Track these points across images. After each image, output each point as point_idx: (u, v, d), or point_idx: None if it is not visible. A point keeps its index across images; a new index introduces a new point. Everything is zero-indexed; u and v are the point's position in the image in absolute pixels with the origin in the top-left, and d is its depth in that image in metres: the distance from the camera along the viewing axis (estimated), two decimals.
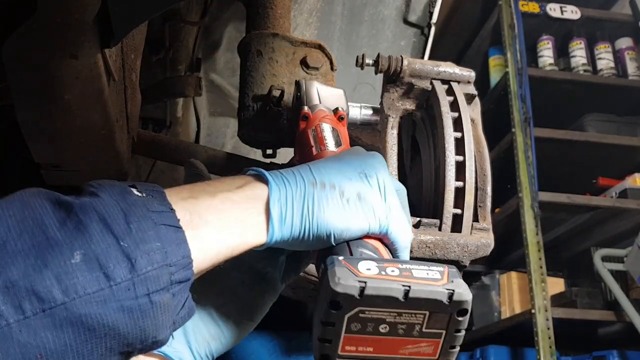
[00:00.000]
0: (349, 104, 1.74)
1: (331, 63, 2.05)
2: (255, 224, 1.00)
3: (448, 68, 1.69)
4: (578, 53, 5.59)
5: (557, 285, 5.30)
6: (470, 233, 1.54)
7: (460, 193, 1.55)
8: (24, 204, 0.80)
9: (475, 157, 1.59)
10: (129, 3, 1.24)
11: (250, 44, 2.04)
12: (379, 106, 1.78)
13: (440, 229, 1.51)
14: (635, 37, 5.63)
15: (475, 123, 1.66)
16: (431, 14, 3.03)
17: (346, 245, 1.05)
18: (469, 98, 1.66)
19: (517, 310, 5.35)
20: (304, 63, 2.01)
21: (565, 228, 5.39)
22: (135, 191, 0.87)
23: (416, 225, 1.50)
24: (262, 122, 1.96)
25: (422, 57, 3.17)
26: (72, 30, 1.21)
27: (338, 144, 1.43)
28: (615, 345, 5.01)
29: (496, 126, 5.20)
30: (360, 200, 1.06)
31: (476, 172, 1.58)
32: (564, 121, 5.46)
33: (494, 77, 5.81)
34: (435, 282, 0.95)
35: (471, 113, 1.64)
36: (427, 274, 0.96)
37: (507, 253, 5.89)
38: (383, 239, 1.10)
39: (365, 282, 0.91)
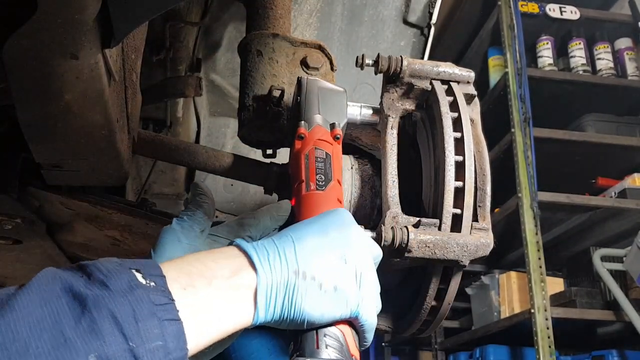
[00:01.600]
0: (349, 103, 1.76)
1: (331, 63, 2.05)
2: (244, 310, 1.07)
3: (447, 68, 1.69)
4: (577, 53, 5.59)
5: (556, 285, 5.30)
6: (470, 233, 1.54)
7: (459, 193, 1.55)
8: (42, 300, 0.87)
9: (474, 157, 1.60)
10: (129, 3, 1.24)
11: (250, 44, 2.04)
12: (379, 106, 1.78)
13: (440, 229, 1.51)
14: (635, 37, 5.63)
15: (475, 123, 1.67)
16: (431, 14, 3.03)
17: (314, 334, 1.16)
18: (469, 98, 1.67)
19: (517, 309, 5.35)
20: (304, 63, 2.02)
21: (565, 228, 5.39)
22: (140, 278, 0.93)
23: (416, 225, 1.51)
24: (262, 122, 1.96)
25: (422, 58, 3.17)
26: (73, 30, 1.21)
27: (328, 179, 1.48)
28: (614, 344, 5.03)
29: (496, 126, 5.20)
30: (337, 291, 1.13)
31: (476, 172, 1.59)
32: (563, 121, 5.47)
33: (494, 77, 5.81)
34: None
35: (471, 113, 1.65)
36: None
37: (507, 253, 5.90)
38: (353, 321, 1.19)
39: None
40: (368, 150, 2.03)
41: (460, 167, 1.56)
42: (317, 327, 1.16)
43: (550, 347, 4.42)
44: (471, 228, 1.55)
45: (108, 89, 1.42)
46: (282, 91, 1.91)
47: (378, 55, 1.69)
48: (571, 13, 5.65)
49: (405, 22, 3.06)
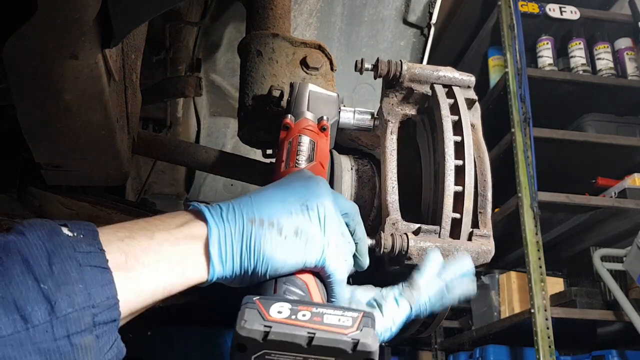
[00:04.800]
0: (343, 108, 1.77)
1: (331, 63, 2.05)
2: (195, 263, 1.02)
3: (448, 72, 1.68)
4: (577, 53, 5.59)
5: (556, 285, 5.30)
6: (471, 239, 1.54)
7: (459, 198, 1.55)
8: None
9: (475, 162, 1.60)
10: (129, 3, 1.24)
11: (250, 45, 2.04)
12: (374, 111, 1.79)
13: (439, 236, 1.51)
14: (635, 37, 5.63)
15: (476, 128, 1.67)
16: (431, 14, 3.03)
17: (273, 283, 1.09)
18: (469, 103, 1.66)
19: (517, 309, 5.35)
20: (303, 63, 2.02)
21: (565, 228, 5.39)
22: (65, 230, 0.88)
23: (416, 232, 1.50)
24: (262, 122, 1.96)
25: (422, 57, 3.17)
26: (73, 30, 1.20)
27: (310, 159, 1.47)
28: (614, 344, 5.03)
29: (496, 126, 5.20)
30: (298, 235, 1.09)
31: (476, 178, 1.59)
32: (563, 121, 5.47)
33: (494, 77, 5.82)
34: (343, 329, 0.96)
35: (471, 118, 1.64)
36: (339, 320, 0.98)
37: (507, 253, 5.90)
38: (320, 272, 1.14)
39: (270, 327, 0.93)
40: (368, 151, 2.03)
41: (460, 172, 1.55)
42: (277, 276, 1.10)
43: (550, 347, 4.41)
44: (472, 235, 1.54)
45: (108, 89, 1.42)
46: (282, 91, 1.91)
47: (377, 59, 1.66)
48: (571, 13, 5.65)
49: (405, 22, 3.06)
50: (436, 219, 1.56)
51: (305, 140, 1.53)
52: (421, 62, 3.18)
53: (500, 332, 5.43)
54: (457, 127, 1.59)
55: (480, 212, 1.62)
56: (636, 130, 5.48)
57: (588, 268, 5.23)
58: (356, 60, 1.70)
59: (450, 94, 1.66)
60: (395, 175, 1.62)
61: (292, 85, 1.75)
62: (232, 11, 2.76)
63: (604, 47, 5.63)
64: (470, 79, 1.70)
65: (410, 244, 1.45)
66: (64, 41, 1.24)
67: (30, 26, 1.18)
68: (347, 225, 1.24)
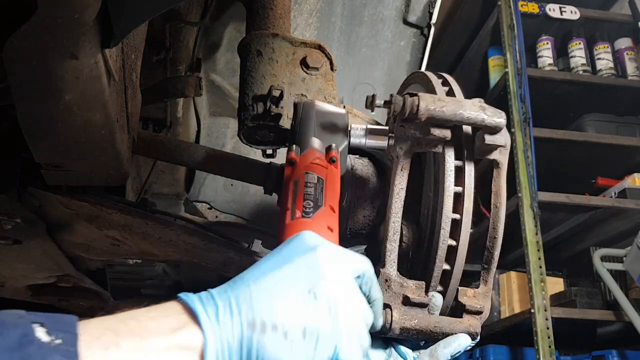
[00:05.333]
0: (354, 127, 1.69)
1: (331, 63, 2.05)
2: None
3: (474, 112, 1.45)
4: (577, 53, 5.59)
5: (556, 285, 5.30)
6: (462, 312, 1.55)
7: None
8: None
9: (492, 214, 1.56)
10: (129, 3, 1.24)
11: (250, 44, 2.04)
12: (387, 127, 1.71)
13: (429, 310, 1.48)
14: (635, 37, 5.63)
15: (500, 171, 1.55)
16: (431, 14, 3.03)
17: None
18: (493, 148, 1.52)
19: (517, 309, 5.35)
20: (303, 63, 2.02)
21: (565, 228, 5.39)
22: (40, 333, 0.80)
23: (405, 301, 1.45)
24: (262, 122, 1.96)
25: (422, 57, 3.17)
26: (73, 30, 1.21)
27: (318, 204, 1.36)
28: (614, 344, 5.02)
29: None
30: (306, 336, 0.98)
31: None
32: (563, 121, 5.47)
33: (494, 77, 5.82)
34: None
35: (498, 156, 1.53)
36: None
37: (507, 253, 5.90)
38: None
39: None
40: (368, 150, 2.03)
41: (459, 172, 1.55)
42: None
43: (550, 347, 4.41)
44: (463, 310, 1.54)
45: (108, 89, 1.42)
46: (282, 91, 1.91)
47: (391, 96, 1.50)
48: (571, 13, 5.65)
49: (405, 22, 3.06)
50: (435, 221, 1.56)
51: (313, 179, 1.41)
52: (421, 62, 3.18)
53: (500, 332, 5.43)
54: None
55: (484, 267, 1.60)
56: (636, 130, 5.48)
57: (588, 268, 5.22)
58: (367, 96, 1.58)
59: (450, 94, 1.66)
60: (400, 220, 1.53)
61: (296, 106, 1.67)
62: (232, 11, 2.76)
63: (604, 47, 5.63)
64: (500, 120, 1.48)
65: (393, 319, 1.39)
66: (64, 41, 1.24)
67: (30, 26, 1.18)
68: (361, 288, 1.15)
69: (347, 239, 2.14)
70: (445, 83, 1.75)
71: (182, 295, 0.99)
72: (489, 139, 1.48)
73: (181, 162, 2.15)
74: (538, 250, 4.67)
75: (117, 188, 2.60)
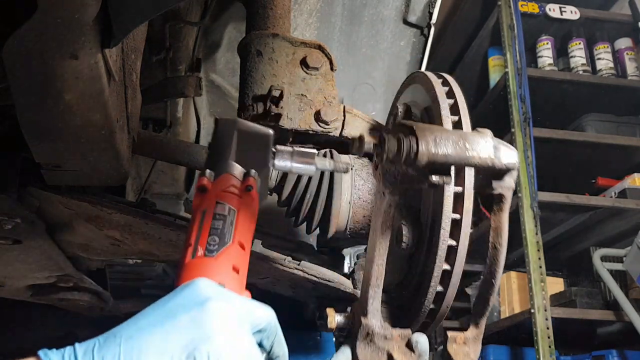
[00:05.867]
0: (279, 149, 1.53)
1: (331, 63, 2.05)
2: None
3: (484, 154, 1.27)
4: (577, 53, 5.59)
5: (556, 285, 5.31)
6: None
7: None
8: None
9: (489, 255, 1.50)
10: (129, 3, 1.24)
11: (250, 44, 2.04)
12: (314, 150, 1.56)
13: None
14: (635, 37, 5.63)
15: (503, 204, 1.42)
16: (431, 14, 3.03)
17: None
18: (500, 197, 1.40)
19: (517, 309, 5.35)
20: (303, 63, 2.02)
21: (565, 228, 5.39)
22: None
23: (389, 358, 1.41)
24: (261, 122, 1.96)
25: (422, 57, 3.17)
26: (73, 30, 1.21)
27: (225, 239, 1.20)
28: (614, 344, 5.02)
29: (496, 126, 5.19)
30: None
31: (486, 271, 1.50)
32: (563, 121, 5.48)
33: (494, 77, 5.82)
34: None
35: (502, 190, 1.39)
36: None
37: (507, 253, 5.88)
38: None
39: None
40: (368, 150, 2.03)
41: (459, 172, 1.54)
42: None
43: (550, 347, 4.42)
44: (452, 342, 1.51)
45: (108, 89, 1.42)
46: (282, 91, 1.91)
47: (381, 136, 1.31)
48: (571, 13, 5.65)
49: (405, 22, 3.05)
50: (435, 221, 1.56)
51: (223, 210, 1.25)
52: (421, 62, 3.18)
53: (500, 332, 5.43)
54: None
55: (476, 311, 1.56)
56: (636, 130, 5.48)
57: (588, 268, 5.23)
58: (353, 139, 1.44)
59: (451, 95, 1.66)
60: (384, 261, 1.41)
61: (216, 123, 1.50)
62: (232, 11, 2.76)
63: (604, 47, 5.63)
64: (513, 161, 1.30)
65: None
66: (64, 41, 1.24)
67: (31, 26, 1.18)
68: (261, 344, 1.06)
69: (347, 240, 2.14)
70: (445, 83, 1.75)
71: (42, 352, 0.90)
72: (496, 184, 1.36)
73: (181, 162, 2.15)
74: (538, 250, 4.67)
75: (117, 188, 2.60)
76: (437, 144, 1.23)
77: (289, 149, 1.53)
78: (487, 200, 1.43)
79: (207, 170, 1.34)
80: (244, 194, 1.32)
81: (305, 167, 1.53)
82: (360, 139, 1.42)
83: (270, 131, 1.48)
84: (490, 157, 1.26)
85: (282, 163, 1.51)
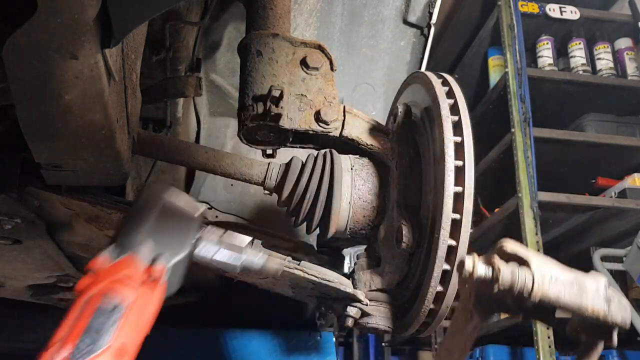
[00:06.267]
0: (208, 231, 1.42)
1: (331, 63, 2.05)
2: None
3: (597, 304, 1.18)
4: (577, 53, 5.59)
5: None
6: None
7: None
8: None
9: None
10: (129, 3, 1.24)
11: (250, 44, 2.04)
12: (247, 246, 1.48)
13: None
14: (635, 37, 5.63)
15: None
16: (431, 14, 3.03)
17: None
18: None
19: None
20: (303, 63, 2.02)
21: (565, 228, 5.39)
22: None
23: None
24: (261, 122, 1.96)
25: (422, 58, 3.17)
26: (73, 30, 1.21)
27: (97, 346, 0.99)
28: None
29: (496, 126, 5.21)
30: None
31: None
32: (563, 121, 5.47)
33: (494, 77, 5.81)
34: None
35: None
36: None
37: None
38: None
39: None
40: (368, 150, 2.03)
41: (460, 172, 1.54)
42: None
43: (550, 347, 4.41)
44: None
45: (108, 89, 1.42)
46: (282, 91, 1.91)
47: (492, 266, 1.20)
48: (571, 13, 5.64)
49: (405, 22, 3.06)
50: (435, 222, 1.56)
51: (108, 305, 1.05)
52: (421, 62, 3.18)
53: (500, 332, 5.42)
54: (458, 128, 1.58)
55: None
56: (636, 130, 5.48)
57: (588, 268, 5.21)
58: (461, 262, 1.26)
59: (451, 95, 1.66)
60: None
61: (143, 188, 1.38)
62: (232, 11, 2.76)
63: (604, 47, 5.63)
64: (626, 320, 1.21)
65: None
66: (64, 41, 1.23)
67: (30, 26, 1.18)
68: None
69: (347, 240, 2.14)
70: (445, 83, 1.75)
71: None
72: (601, 345, 1.25)
73: (181, 162, 2.15)
74: (538, 250, 4.66)
75: (117, 188, 2.60)
76: (552, 282, 1.16)
77: (217, 234, 1.42)
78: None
79: (109, 248, 1.19)
80: (146, 284, 1.14)
81: (230, 261, 1.41)
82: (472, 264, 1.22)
83: (199, 212, 1.37)
84: (604, 310, 1.17)
85: (203, 253, 1.38)
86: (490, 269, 1.17)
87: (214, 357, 3.74)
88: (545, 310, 1.17)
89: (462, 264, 1.20)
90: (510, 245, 1.23)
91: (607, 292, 1.18)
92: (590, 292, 1.15)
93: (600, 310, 1.14)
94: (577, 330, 1.24)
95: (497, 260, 1.17)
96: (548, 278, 1.14)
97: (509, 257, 1.18)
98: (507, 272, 1.15)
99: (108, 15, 1.24)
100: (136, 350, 1.03)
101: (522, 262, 1.17)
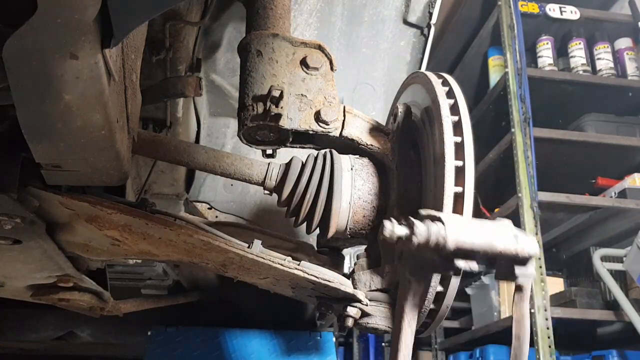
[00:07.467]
0: None
1: (331, 63, 2.05)
2: None
3: (507, 243, 1.33)
4: (577, 53, 5.60)
5: (556, 285, 5.30)
6: None
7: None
8: None
9: (513, 346, 1.45)
10: (129, 3, 1.24)
11: (250, 44, 2.04)
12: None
13: None
14: (635, 37, 5.64)
15: (523, 294, 1.40)
16: (431, 14, 3.03)
17: None
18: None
19: None
20: (303, 63, 2.02)
21: (565, 228, 5.40)
22: None
23: None
24: (261, 122, 1.96)
25: (422, 58, 3.17)
26: (73, 30, 1.20)
27: None
28: (614, 344, 5.02)
29: (496, 126, 5.21)
30: None
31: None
32: (563, 121, 5.48)
33: (494, 77, 5.82)
34: None
35: (522, 280, 1.39)
36: None
37: None
38: None
39: None
40: (368, 150, 2.03)
41: (460, 172, 1.53)
42: None
43: (550, 347, 4.42)
44: None
45: (108, 89, 1.42)
46: (282, 91, 1.91)
47: (410, 222, 1.32)
48: (571, 13, 5.65)
49: (405, 22, 3.06)
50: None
51: None
52: (421, 62, 3.18)
53: (500, 332, 5.43)
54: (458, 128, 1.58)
55: None
56: (636, 130, 5.49)
57: (588, 268, 5.23)
58: (382, 225, 1.36)
59: (451, 95, 1.66)
60: (409, 356, 1.38)
61: None
62: (232, 11, 2.75)
63: (604, 47, 5.63)
64: (534, 250, 1.35)
65: None
66: (64, 41, 1.23)
67: (30, 26, 1.18)
68: None
69: (347, 240, 2.14)
70: (445, 83, 1.75)
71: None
72: (519, 271, 1.36)
73: (181, 162, 2.15)
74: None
75: (117, 188, 2.60)
76: (463, 232, 1.29)
77: None
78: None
79: None
80: None
81: None
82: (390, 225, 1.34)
83: None
84: (514, 246, 1.31)
85: None
86: (408, 227, 1.30)
87: (214, 356, 3.74)
88: (466, 258, 1.30)
89: (382, 226, 1.33)
90: (424, 210, 1.37)
91: (513, 231, 1.33)
92: (499, 233, 1.31)
93: (511, 246, 1.30)
94: (503, 275, 1.37)
95: (413, 220, 1.30)
96: (459, 227, 1.28)
97: (424, 218, 1.32)
98: (422, 227, 1.28)
99: (108, 15, 1.24)
100: None
101: (435, 218, 1.30)
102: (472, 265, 1.32)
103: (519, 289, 1.39)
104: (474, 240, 1.29)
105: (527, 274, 1.36)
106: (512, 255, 1.32)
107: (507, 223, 1.36)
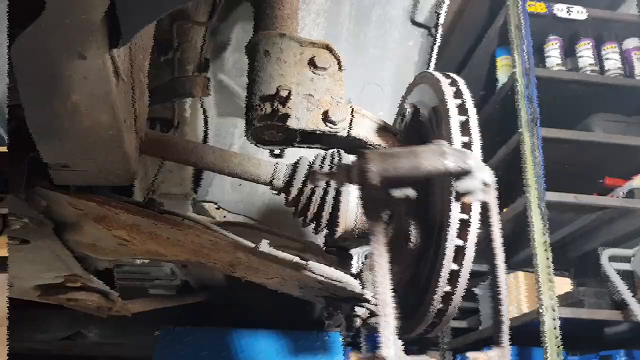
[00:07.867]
0: None
1: (339, 63, 2.05)
2: None
3: (433, 161, 1.33)
4: (585, 53, 5.58)
5: (564, 285, 5.29)
6: None
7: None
8: None
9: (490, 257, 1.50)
10: (137, 3, 1.24)
11: (258, 44, 2.04)
12: None
13: None
14: None
15: (491, 211, 1.44)
16: (438, 14, 3.03)
17: None
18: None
19: (525, 309, 5.34)
20: (311, 63, 2.02)
21: (573, 228, 5.39)
22: None
23: None
24: (269, 122, 1.96)
25: (430, 58, 3.17)
26: (81, 30, 1.21)
27: None
28: (622, 344, 5.01)
29: (504, 126, 5.20)
30: None
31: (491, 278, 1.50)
32: (571, 121, 5.46)
33: (502, 77, 5.80)
34: None
35: (484, 197, 1.42)
36: None
37: (515, 253, 5.88)
38: None
39: None
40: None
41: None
42: None
43: (558, 347, 4.41)
44: None
45: (115, 89, 1.42)
46: (290, 91, 1.91)
47: (332, 164, 1.41)
48: (579, 13, 5.63)
49: (413, 22, 3.05)
50: (443, 222, 1.56)
51: None
52: (429, 62, 3.18)
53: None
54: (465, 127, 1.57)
55: (495, 332, 1.58)
56: None
57: (596, 268, 5.22)
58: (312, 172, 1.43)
59: (458, 95, 1.65)
60: (390, 294, 1.36)
61: None
62: (240, 11, 2.75)
63: (612, 47, 5.61)
64: (469, 163, 1.37)
65: None
66: (72, 41, 1.24)
67: (38, 26, 1.18)
68: None
69: (355, 239, 2.14)
70: (453, 83, 1.75)
71: None
72: (459, 186, 1.39)
73: (188, 162, 2.15)
74: (546, 250, 4.66)
75: (125, 188, 2.60)
76: (386, 161, 1.29)
77: None
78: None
79: None
80: None
81: None
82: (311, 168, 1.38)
83: None
84: (442, 163, 1.30)
85: None
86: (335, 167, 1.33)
87: (222, 356, 3.75)
88: (399, 185, 1.31)
89: (313, 173, 1.41)
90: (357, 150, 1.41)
91: (441, 149, 1.32)
92: (424, 153, 1.30)
93: (439, 164, 1.29)
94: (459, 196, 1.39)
95: (339, 165, 1.40)
96: (382, 156, 1.29)
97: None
98: (343, 166, 1.33)
99: (116, 16, 1.24)
100: None
101: (359, 154, 1.31)
102: (408, 192, 1.33)
103: (484, 207, 1.41)
104: (397, 165, 1.29)
105: (469, 186, 1.35)
106: (443, 172, 1.32)
107: (439, 143, 1.38)
